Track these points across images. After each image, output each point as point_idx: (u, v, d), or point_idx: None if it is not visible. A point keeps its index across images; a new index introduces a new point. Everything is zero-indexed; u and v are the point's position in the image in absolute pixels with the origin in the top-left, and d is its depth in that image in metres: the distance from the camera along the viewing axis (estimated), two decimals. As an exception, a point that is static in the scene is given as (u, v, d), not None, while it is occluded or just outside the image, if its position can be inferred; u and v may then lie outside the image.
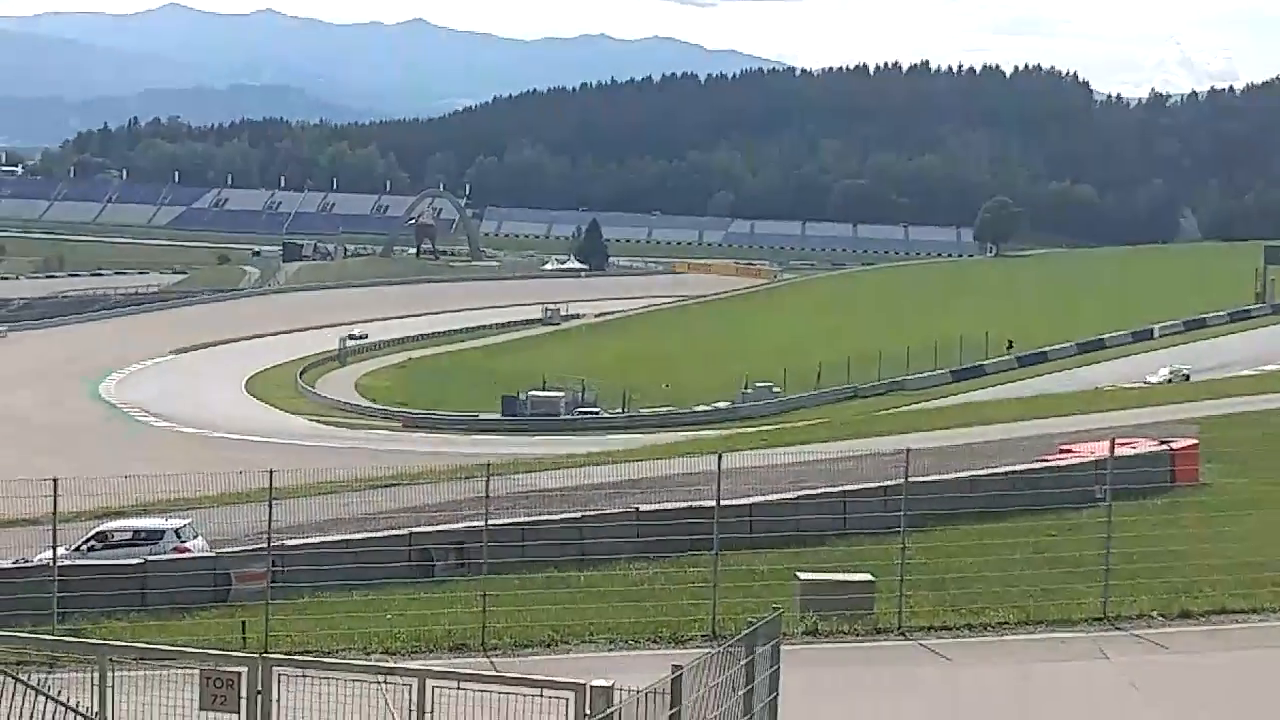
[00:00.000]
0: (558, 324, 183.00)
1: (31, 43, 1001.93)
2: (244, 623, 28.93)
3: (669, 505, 37.64)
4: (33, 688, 17.60)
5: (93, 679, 17.60)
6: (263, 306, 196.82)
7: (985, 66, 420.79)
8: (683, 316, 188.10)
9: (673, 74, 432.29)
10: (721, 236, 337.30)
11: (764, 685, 18.71)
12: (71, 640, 22.53)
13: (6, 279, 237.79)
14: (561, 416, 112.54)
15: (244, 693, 17.07)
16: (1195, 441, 44.46)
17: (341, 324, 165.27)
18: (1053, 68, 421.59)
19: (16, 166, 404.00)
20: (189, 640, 26.13)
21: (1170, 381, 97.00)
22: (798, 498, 38.30)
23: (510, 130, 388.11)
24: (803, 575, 29.75)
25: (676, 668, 16.23)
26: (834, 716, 23.61)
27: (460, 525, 35.95)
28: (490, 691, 16.31)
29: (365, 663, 21.72)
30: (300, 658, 20.68)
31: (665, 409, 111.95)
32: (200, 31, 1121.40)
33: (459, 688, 16.39)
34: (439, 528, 36.51)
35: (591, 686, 16.05)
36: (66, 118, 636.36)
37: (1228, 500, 38.73)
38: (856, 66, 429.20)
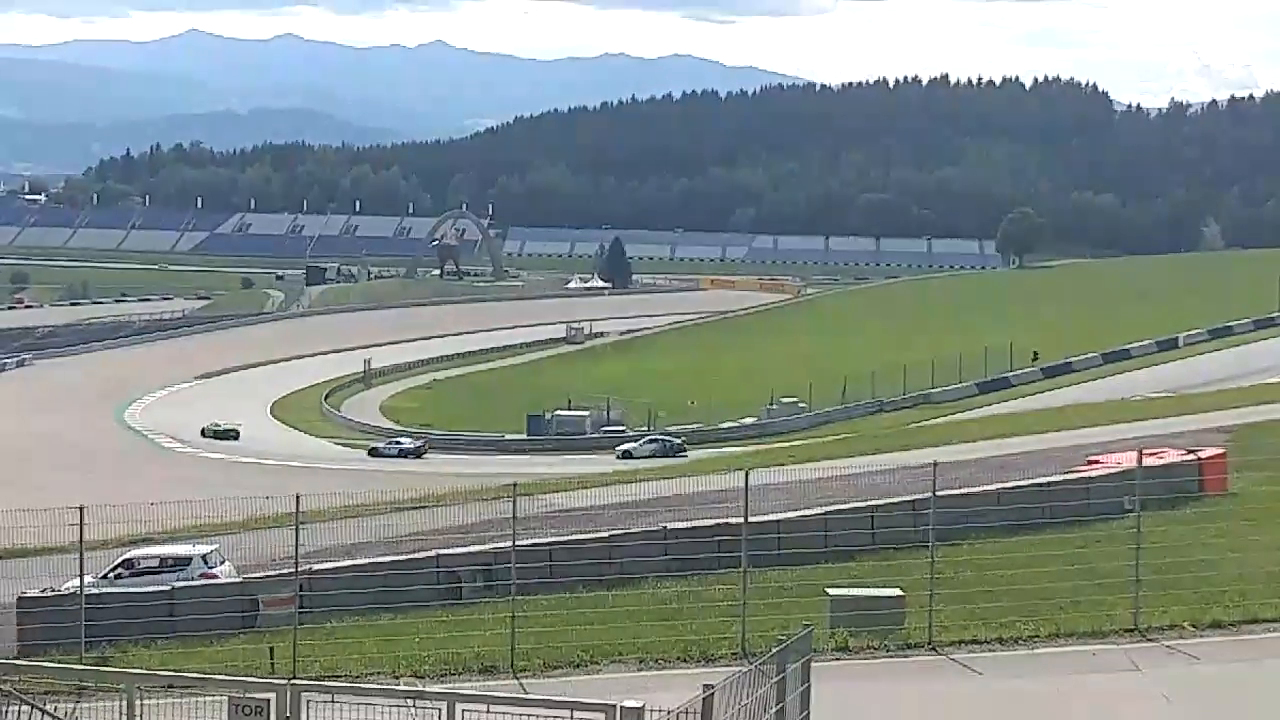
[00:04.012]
0: (582, 343, 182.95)
1: (58, 70, 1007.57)
2: (272, 648, 28.85)
3: (697, 523, 37.51)
4: (56, 719, 17.55)
5: (120, 708, 17.56)
6: (287, 330, 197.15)
7: (1005, 78, 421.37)
8: (707, 333, 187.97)
9: (693, 91, 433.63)
10: (745, 252, 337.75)
11: (795, 703, 18.61)
12: (99, 669, 22.50)
13: (31, 307, 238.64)
14: (587, 435, 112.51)
15: (273, 719, 17.01)
16: (1223, 450, 44.24)
17: (366, 346, 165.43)
18: (1072, 79, 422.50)
19: (40, 195, 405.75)
20: (217, 667, 26.11)
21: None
22: (826, 513, 38.11)
23: (532, 150, 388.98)
24: (832, 591, 29.64)
25: (707, 687, 16.13)
26: (866, 733, 23.50)
27: (488, 547, 35.84)
28: (520, 714, 16.24)
29: (394, 687, 21.63)
30: (329, 683, 20.62)
31: (691, 426, 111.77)
32: (222, 57, 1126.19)
33: (488, 710, 16.32)
34: (466, 549, 36.39)
35: (622, 707, 15.96)
36: (90, 143, 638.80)
37: (1257, 509, 38.47)
38: (876, 81, 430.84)
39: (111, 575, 37.03)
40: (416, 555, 36.57)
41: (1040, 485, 40.73)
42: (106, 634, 30.57)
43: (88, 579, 31.32)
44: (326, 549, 38.96)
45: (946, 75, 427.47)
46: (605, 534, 37.81)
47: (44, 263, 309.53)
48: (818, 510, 38.75)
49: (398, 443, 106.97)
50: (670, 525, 37.47)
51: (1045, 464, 48.10)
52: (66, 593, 32.37)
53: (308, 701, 17.03)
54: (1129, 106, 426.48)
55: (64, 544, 35.85)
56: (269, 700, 17.08)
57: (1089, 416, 70.63)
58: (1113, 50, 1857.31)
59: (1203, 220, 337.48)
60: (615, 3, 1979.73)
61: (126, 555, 38.65)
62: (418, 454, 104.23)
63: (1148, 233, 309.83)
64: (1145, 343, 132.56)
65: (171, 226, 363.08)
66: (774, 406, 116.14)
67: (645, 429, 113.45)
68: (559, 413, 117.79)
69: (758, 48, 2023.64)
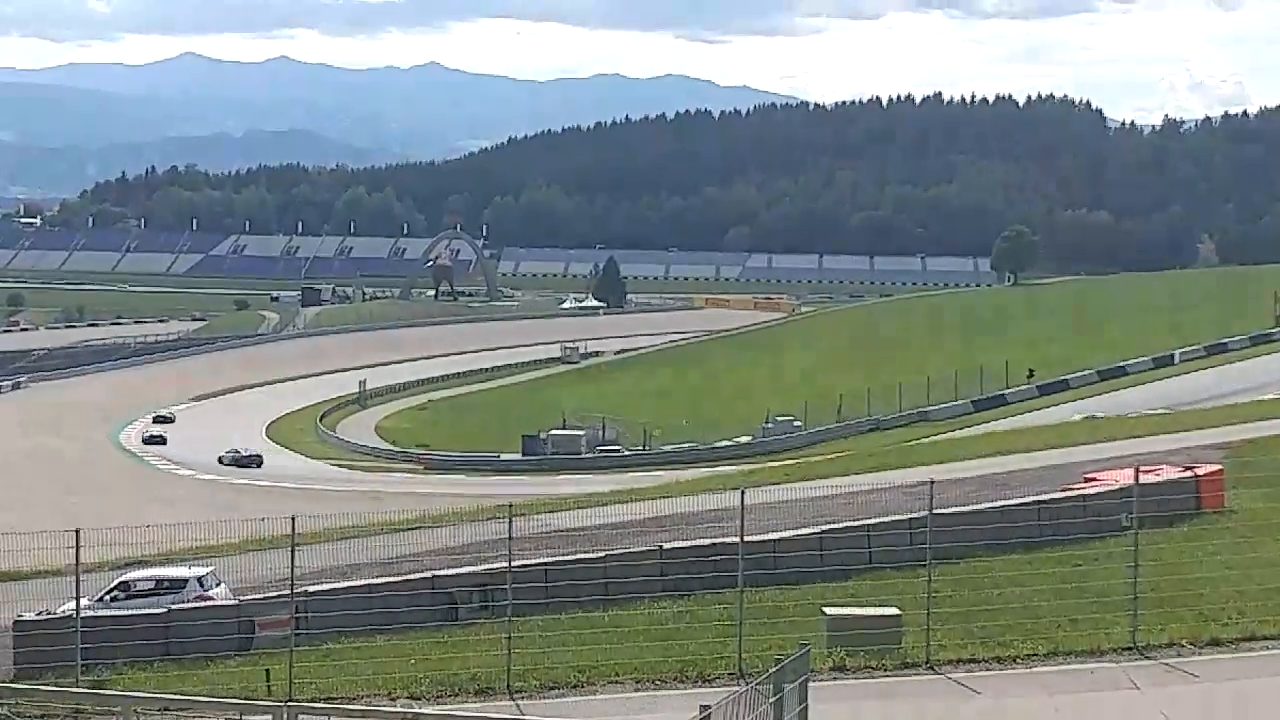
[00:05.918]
0: (577, 362, 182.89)
1: (53, 94, 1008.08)
2: (268, 670, 28.81)
3: (693, 543, 37.38)
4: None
5: (117, 731, 17.52)
6: (282, 351, 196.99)
7: (998, 96, 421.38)
8: (702, 352, 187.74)
9: (686, 111, 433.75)
10: (739, 271, 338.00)
11: (793, 723, 18.57)
12: (96, 692, 22.45)
13: (27, 330, 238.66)
14: (583, 455, 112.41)
15: (269, 741, 16.96)
16: (1220, 467, 44.13)
17: (361, 367, 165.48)
18: (1065, 96, 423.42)
19: (35, 218, 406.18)
20: (213, 689, 26.06)
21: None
22: (822, 532, 37.99)
23: (526, 170, 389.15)
24: (829, 610, 29.61)
25: (705, 707, 16.12)
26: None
27: (483, 567, 35.76)
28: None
29: (390, 708, 21.58)
30: (325, 704, 20.57)
31: (687, 445, 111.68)
32: (217, 80, 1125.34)
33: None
34: (462, 570, 36.30)
35: (619, 728, 15.95)
36: (85, 166, 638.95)
37: (1254, 526, 38.43)
38: (869, 99, 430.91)
39: (107, 598, 36.93)
40: (413, 576, 36.43)
41: (1037, 503, 40.60)
42: (103, 657, 30.49)
43: (84, 601, 31.27)
44: (322, 570, 38.84)
45: (940, 93, 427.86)
46: (601, 554, 37.70)
47: (40, 285, 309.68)
48: (814, 529, 38.63)
49: (236, 452, 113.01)
50: (666, 545, 37.34)
51: (1042, 482, 47.96)
52: (62, 615, 32.30)
53: (304, 724, 16.99)
54: (1122, 123, 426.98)
55: (60, 566, 35.82)
56: (265, 722, 17.05)
57: (1085, 434, 70.52)
58: (1105, 68, 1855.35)
59: (1198, 236, 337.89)
60: (608, 23, 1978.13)
61: (122, 577, 38.53)
62: (257, 464, 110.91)
63: (1143, 249, 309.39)
64: (1142, 359, 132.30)
65: (167, 249, 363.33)
66: (770, 425, 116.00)
67: (640, 448, 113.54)
68: (554, 432, 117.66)
69: (751, 67, 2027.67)
